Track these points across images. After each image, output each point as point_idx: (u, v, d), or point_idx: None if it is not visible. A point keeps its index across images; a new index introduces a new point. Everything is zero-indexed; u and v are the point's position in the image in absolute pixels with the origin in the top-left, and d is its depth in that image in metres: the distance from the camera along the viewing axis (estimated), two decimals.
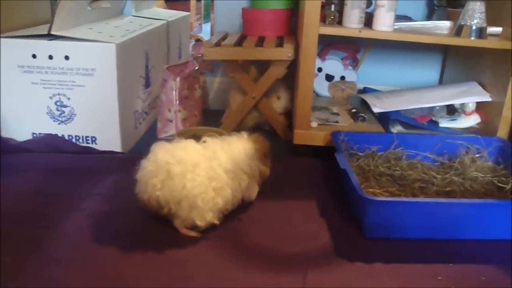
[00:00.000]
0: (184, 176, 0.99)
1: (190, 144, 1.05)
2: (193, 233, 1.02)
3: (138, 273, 0.89)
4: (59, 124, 1.38)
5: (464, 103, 1.50)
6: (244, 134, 1.13)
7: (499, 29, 1.43)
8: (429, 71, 1.87)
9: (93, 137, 1.40)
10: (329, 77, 1.79)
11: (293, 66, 1.52)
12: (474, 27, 1.36)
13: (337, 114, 1.56)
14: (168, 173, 0.99)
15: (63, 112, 1.37)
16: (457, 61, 1.75)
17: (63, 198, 1.14)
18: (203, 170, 1.01)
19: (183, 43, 2.13)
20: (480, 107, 1.50)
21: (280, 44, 1.52)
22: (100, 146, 1.41)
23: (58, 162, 1.31)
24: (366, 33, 1.34)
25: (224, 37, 1.63)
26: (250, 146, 1.10)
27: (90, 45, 1.31)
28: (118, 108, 1.36)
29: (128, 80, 1.43)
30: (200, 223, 1.00)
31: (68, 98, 1.35)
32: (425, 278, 0.92)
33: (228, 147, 1.07)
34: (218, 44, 1.50)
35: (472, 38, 1.37)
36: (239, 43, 1.52)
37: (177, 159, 1.01)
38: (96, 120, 1.38)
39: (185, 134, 1.27)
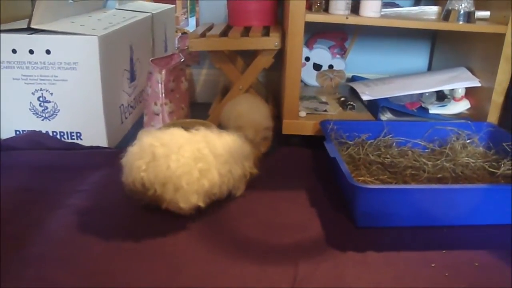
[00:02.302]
0: (168, 157, 0.98)
1: (177, 130, 1.04)
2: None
3: (125, 269, 0.87)
4: (42, 120, 1.35)
5: (454, 89, 1.48)
6: (243, 137, 1.14)
7: (487, 13, 1.42)
8: (417, 58, 1.86)
9: (78, 132, 1.37)
10: (317, 66, 1.77)
11: (281, 69, 1.50)
12: (462, 12, 1.35)
13: (325, 103, 1.55)
14: (153, 155, 0.99)
15: (46, 108, 1.34)
16: (446, 47, 1.74)
17: (48, 195, 1.11)
18: (187, 151, 1.00)
19: (168, 36, 2.10)
20: (470, 92, 1.49)
21: (266, 33, 1.49)
22: (86, 141, 1.38)
23: (42, 159, 1.28)
24: (353, 20, 1.32)
25: (210, 28, 1.61)
26: (247, 147, 1.10)
27: (71, 38, 1.27)
28: (103, 102, 1.33)
29: (112, 74, 1.40)
30: (184, 205, 0.99)
31: (51, 94, 1.32)
32: (418, 266, 0.91)
33: (226, 136, 1.07)
34: (203, 35, 1.48)
35: (461, 23, 1.36)
36: (224, 33, 1.50)
37: (161, 141, 1.00)
38: (80, 115, 1.35)
39: (172, 127, 1.25)
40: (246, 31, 1.51)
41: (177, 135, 1.04)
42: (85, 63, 1.29)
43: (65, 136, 1.37)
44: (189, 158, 0.99)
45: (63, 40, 1.28)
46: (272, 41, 1.43)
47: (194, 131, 1.06)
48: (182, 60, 1.57)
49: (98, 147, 1.37)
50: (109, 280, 0.84)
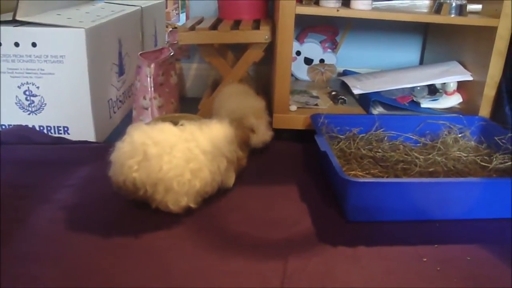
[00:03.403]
0: (161, 158, 0.96)
1: (167, 126, 1.02)
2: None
3: (112, 265, 0.85)
4: (29, 114, 1.33)
5: (446, 83, 1.47)
6: (226, 119, 1.10)
7: (479, 6, 1.41)
8: (409, 52, 1.85)
9: (65, 127, 1.34)
10: (308, 61, 1.75)
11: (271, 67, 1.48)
12: (453, 4, 1.34)
13: (316, 97, 1.53)
14: (145, 155, 0.97)
15: (33, 101, 1.31)
16: (438, 41, 1.73)
17: (34, 190, 1.09)
18: (179, 151, 0.98)
19: (159, 31, 2.07)
20: (462, 86, 1.48)
21: (256, 27, 1.48)
22: (73, 136, 1.35)
23: (29, 154, 1.25)
24: (343, 12, 1.30)
25: (199, 22, 1.59)
26: (230, 131, 1.07)
27: (58, 30, 1.25)
28: (90, 96, 1.31)
29: (100, 67, 1.38)
30: (173, 207, 0.98)
31: (37, 87, 1.30)
32: (410, 260, 0.90)
33: (208, 129, 1.04)
34: (192, 28, 1.46)
35: (452, 16, 1.34)
36: (214, 26, 1.48)
37: (154, 140, 0.98)
38: (67, 109, 1.32)
39: (161, 122, 1.24)
40: (236, 25, 1.50)
41: (168, 132, 1.02)
42: (72, 56, 1.27)
43: (52, 131, 1.35)
44: (181, 158, 0.98)
45: (49, 32, 1.25)
46: (262, 35, 1.41)
47: (182, 127, 1.04)
48: (171, 54, 1.55)
49: (85, 142, 1.35)
50: (95, 277, 0.82)
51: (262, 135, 1.28)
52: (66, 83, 1.29)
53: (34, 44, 1.26)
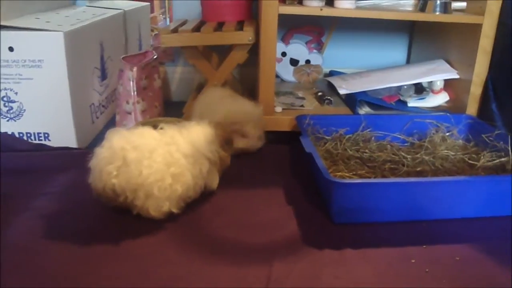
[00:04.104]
0: (141, 162, 0.93)
1: (147, 130, 1.00)
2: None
3: (91, 273, 0.82)
4: (7, 121, 1.29)
5: (432, 82, 1.46)
6: (205, 120, 1.08)
7: (463, 4, 1.41)
8: (395, 52, 1.84)
9: (46, 133, 1.31)
10: (293, 62, 1.73)
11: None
12: (438, 2, 1.33)
13: (302, 98, 1.51)
14: (124, 160, 0.94)
15: (11, 108, 1.28)
16: (424, 40, 1.72)
17: (12, 199, 1.06)
18: (160, 156, 0.95)
19: (143, 35, 2.04)
20: (448, 85, 1.47)
21: (240, 28, 1.46)
22: (54, 142, 1.32)
23: (7, 162, 1.22)
24: (327, 11, 1.29)
25: (183, 24, 1.57)
26: (209, 131, 1.05)
27: (35, 34, 1.22)
28: (71, 101, 1.28)
29: (81, 72, 1.35)
30: (154, 213, 0.95)
31: (16, 93, 1.26)
32: (398, 262, 0.88)
33: (187, 132, 1.02)
34: (175, 30, 1.43)
35: (437, 13, 1.33)
36: (197, 28, 1.46)
37: (133, 144, 0.95)
38: (48, 115, 1.29)
39: (145, 126, 1.21)
40: (220, 26, 1.48)
41: (148, 136, 0.99)
42: (50, 60, 1.24)
43: (32, 137, 1.31)
44: (161, 163, 0.95)
45: (26, 36, 1.22)
46: (246, 36, 1.39)
47: (161, 131, 1.01)
48: (155, 57, 1.53)
49: (67, 148, 1.32)
50: (75, 286, 0.79)
51: (254, 142, 1.30)
52: (45, 88, 1.26)
53: (11, 49, 1.22)
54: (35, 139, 1.32)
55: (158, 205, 0.95)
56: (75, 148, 1.33)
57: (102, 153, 0.96)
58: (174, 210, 0.97)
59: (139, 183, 0.93)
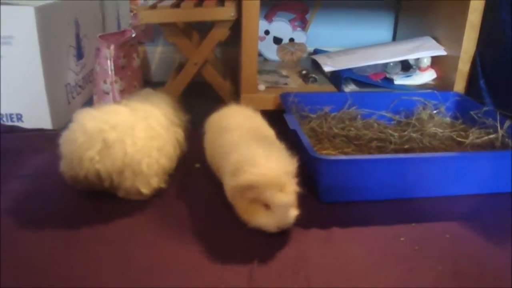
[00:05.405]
0: (124, 141, 0.89)
1: (118, 107, 0.95)
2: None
3: (69, 258, 0.79)
4: None
5: (419, 59, 1.43)
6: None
7: None
8: (381, 29, 1.80)
9: (19, 114, 1.26)
10: (277, 40, 1.68)
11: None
12: None
13: (286, 76, 1.47)
14: (104, 142, 0.89)
15: None
16: (410, 18, 1.69)
17: None
18: (141, 131, 0.91)
19: (122, 14, 1.97)
20: (435, 62, 1.44)
21: (222, 4, 1.40)
22: (28, 123, 1.27)
23: None
24: None
25: (162, 0, 1.50)
26: (168, 99, 1.02)
27: (4, 9, 1.16)
28: (45, 80, 1.22)
29: (55, 50, 1.29)
30: (145, 190, 0.92)
31: None
32: (387, 240, 0.85)
33: (154, 103, 0.98)
34: (154, 6, 1.38)
35: None
36: (177, 5, 1.40)
37: (110, 124, 0.90)
38: (20, 95, 1.23)
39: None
40: (201, 3, 1.42)
41: (122, 113, 0.94)
42: (21, 37, 1.18)
43: (4, 119, 1.26)
44: (145, 138, 0.91)
45: None
46: (228, 11, 1.33)
47: (132, 105, 0.98)
48: (133, 36, 1.47)
49: (41, 130, 1.27)
50: (50, 270, 0.76)
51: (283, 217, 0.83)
52: (17, 67, 1.21)
53: None
54: (7, 121, 1.26)
55: (148, 182, 0.92)
56: (50, 130, 1.28)
57: (77, 138, 0.90)
58: (162, 185, 0.96)
59: (126, 163, 0.89)
